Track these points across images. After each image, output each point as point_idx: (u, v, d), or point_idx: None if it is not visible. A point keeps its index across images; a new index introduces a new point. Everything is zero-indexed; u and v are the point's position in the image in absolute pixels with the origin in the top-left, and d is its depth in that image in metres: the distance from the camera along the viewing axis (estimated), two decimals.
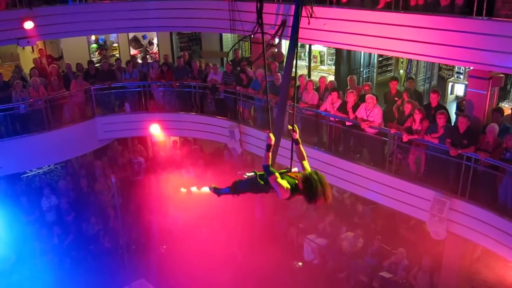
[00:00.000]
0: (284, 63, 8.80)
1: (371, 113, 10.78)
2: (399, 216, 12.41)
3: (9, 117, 13.34)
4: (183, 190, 14.60)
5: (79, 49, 16.92)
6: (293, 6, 6.69)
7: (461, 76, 14.79)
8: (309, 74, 16.03)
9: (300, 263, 13.02)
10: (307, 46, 16.31)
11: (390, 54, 13.67)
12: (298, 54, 16.28)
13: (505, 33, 8.63)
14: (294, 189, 5.24)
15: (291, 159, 5.98)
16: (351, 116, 11.15)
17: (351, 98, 11.19)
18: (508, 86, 13.22)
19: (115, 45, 18.34)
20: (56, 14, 14.28)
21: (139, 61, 16.73)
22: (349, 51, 14.78)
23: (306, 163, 5.70)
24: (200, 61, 15.44)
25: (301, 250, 13.17)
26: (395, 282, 11.48)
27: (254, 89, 13.17)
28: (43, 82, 13.84)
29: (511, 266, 9.64)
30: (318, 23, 11.04)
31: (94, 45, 17.87)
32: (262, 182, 5.63)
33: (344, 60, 15.29)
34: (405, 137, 10.19)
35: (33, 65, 14.73)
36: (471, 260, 11.20)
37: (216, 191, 6.55)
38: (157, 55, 18.39)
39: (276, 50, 14.88)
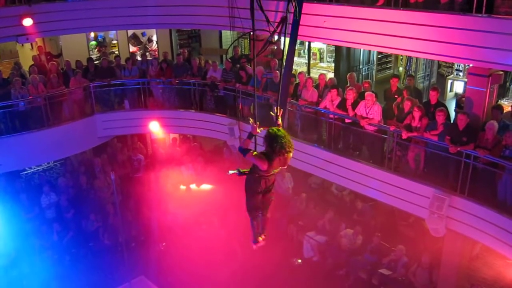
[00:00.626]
0: (284, 60, 8.77)
1: (370, 111, 10.78)
2: (399, 213, 12.42)
3: (8, 115, 13.35)
4: (182, 187, 14.62)
5: (78, 46, 16.90)
6: (293, 3, 6.65)
7: (461, 74, 14.80)
8: (308, 71, 16.03)
9: (300, 260, 13.03)
10: (307, 43, 16.31)
11: (389, 51, 13.67)
12: (298, 51, 16.43)
13: (505, 31, 8.64)
14: (268, 156, 5.31)
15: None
16: (351, 113, 11.15)
17: (350, 96, 11.19)
18: (508, 84, 13.23)
19: (114, 42, 18.32)
20: (55, 11, 14.26)
21: (139, 58, 16.72)
22: (348, 49, 14.78)
23: None
24: (199, 58, 15.42)
25: (300, 247, 13.19)
26: (394, 279, 11.50)
27: (253, 86, 13.15)
28: (42, 79, 13.83)
29: (510, 263, 9.65)
30: (317, 20, 11.03)
31: (93, 42, 17.85)
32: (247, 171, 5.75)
33: (343, 57, 15.28)
34: (405, 135, 10.20)
35: (32, 62, 14.72)
36: (470, 257, 11.24)
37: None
38: (156, 52, 18.38)
39: (275, 47, 14.85)
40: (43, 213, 13.85)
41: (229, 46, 14.49)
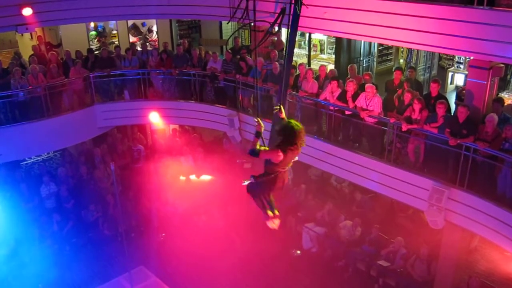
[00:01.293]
0: (284, 52, 8.74)
1: (370, 103, 10.76)
2: (397, 205, 12.46)
3: (8, 105, 13.32)
4: (182, 178, 14.63)
5: (78, 36, 16.84)
6: None
7: (461, 66, 14.78)
8: (309, 63, 15.99)
9: (299, 252, 13.08)
10: (307, 35, 16.26)
11: (390, 43, 13.60)
12: (298, 42, 16.39)
13: (506, 23, 8.60)
14: (282, 146, 5.34)
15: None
16: (351, 105, 11.13)
17: (350, 87, 11.17)
18: (508, 76, 13.20)
19: (114, 32, 18.25)
20: (55, 1, 14.11)
21: (139, 48, 16.66)
22: (349, 40, 14.73)
23: None
24: (199, 49, 15.37)
25: (299, 239, 13.23)
26: (393, 270, 11.56)
27: (254, 77, 13.14)
28: (42, 69, 13.80)
29: (508, 256, 9.69)
30: (318, 12, 10.99)
31: (93, 32, 17.79)
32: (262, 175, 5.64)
33: (344, 49, 15.24)
34: (404, 127, 10.19)
35: (32, 52, 14.67)
36: (469, 249, 11.28)
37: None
38: (156, 43, 18.32)
39: (275, 38, 14.81)
40: (43, 203, 13.88)
41: (229, 37, 14.44)
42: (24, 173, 14.92)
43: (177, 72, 14.47)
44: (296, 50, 15.77)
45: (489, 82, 9.74)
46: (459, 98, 11.54)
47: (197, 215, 13.91)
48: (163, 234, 13.78)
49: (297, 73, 12.72)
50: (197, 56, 14.65)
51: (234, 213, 13.00)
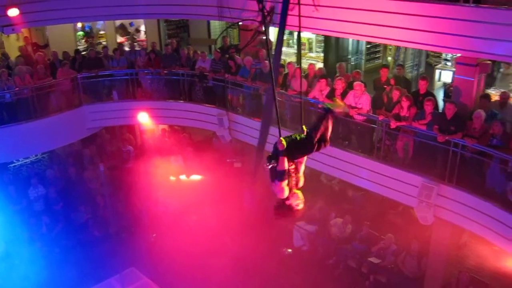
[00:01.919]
0: (273, 50, 8.75)
1: (359, 100, 10.80)
2: (388, 202, 12.51)
3: None
4: (172, 178, 14.59)
5: (65, 36, 16.72)
6: None
7: (449, 63, 14.87)
8: (298, 62, 15.98)
9: (290, 250, 13.10)
10: (296, 33, 16.26)
11: (378, 41, 13.68)
12: (287, 41, 16.39)
13: (493, 20, 8.68)
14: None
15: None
16: None
17: (339, 85, 11.20)
18: (495, 73, 13.32)
19: (102, 32, 18.17)
20: (42, 1, 14.02)
21: (126, 48, 16.58)
22: (337, 39, 14.79)
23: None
24: (188, 48, 15.33)
25: (290, 237, 13.25)
26: (383, 267, 11.62)
27: (243, 76, 13.13)
28: (29, 71, 13.67)
29: (497, 250, 9.77)
30: (306, 10, 10.99)
31: (81, 33, 17.68)
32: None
33: (332, 47, 15.30)
34: (393, 124, 10.24)
35: (18, 53, 14.54)
36: (458, 245, 11.37)
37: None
38: (144, 43, 18.24)
39: (264, 37, 14.79)
40: (31, 205, 13.75)
41: (218, 36, 14.44)
42: (12, 176, 14.77)
43: (165, 72, 14.42)
44: (284, 49, 15.79)
45: (476, 79, 9.84)
46: (446, 95, 11.64)
47: (188, 215, 13.87)
48: (154, 235, 13.72)
49: (286, 72, 12.72)
50: (186, 56, 14.61)
51: (225, 212, 12.98)
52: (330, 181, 13.85)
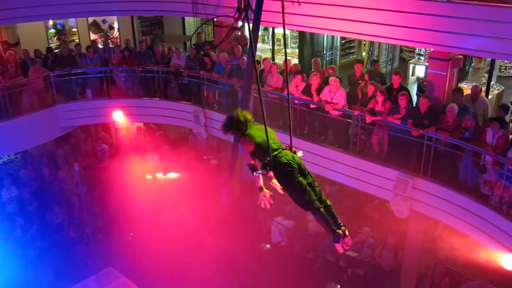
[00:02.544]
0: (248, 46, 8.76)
1: (335, 96, 10.87)
2: (364, 196, 12.64)
3: None
4: (148, 176, 14.48)
5: (36, 34, 16.40)
6: None
7: (422, 58, 15.08)
8: (273, 57, 16.01)
9: (268, 245, 13.13)
10: (271, 29, 16.27)
11: (352, 36, 13.76)
12: (262, 37, 16.39)
13: (464, 15, 8.83)
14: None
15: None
16: (315, 98, 11.22)
17: (315, 81, 11.25)
18: (467, 67, 13.56)
19: (74, 30, 17.87)
20: None
21: (100, 46, 16.36)
22: (312, 34, 14.82)
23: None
24: (162, 45, 15.20)
25: (268, 233, 13.28)
26: (360, 260, 11.74)
27: (218, 73, 13.08)
28: None
29: (471, 242, 9.96)
30: (281, 6, 10.99)
31: (52, 30, 17.37)
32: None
33: (307, 43, 15.33)
34: (368, 119, 10.34)
35: None
36: (433, 237, 11.55)
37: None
38: (118, 40, 18.03)
39: (239, 33, 14.77)
40: (4, 207, 13.48)
41: (194, 33, 14.34)
42: None
43: (140, 69, 14.28)
44: (259, 45, 15.78)
45: (448, 73, 9.97)
46: (420, 90, 11.77)
47: (165, 213, 13.79)
48: (131, 234, 13.60)
49: (262, 68, 12.72)
50: (160, 53, 14.48)
51: (202, 209, 12.95)
52: None
